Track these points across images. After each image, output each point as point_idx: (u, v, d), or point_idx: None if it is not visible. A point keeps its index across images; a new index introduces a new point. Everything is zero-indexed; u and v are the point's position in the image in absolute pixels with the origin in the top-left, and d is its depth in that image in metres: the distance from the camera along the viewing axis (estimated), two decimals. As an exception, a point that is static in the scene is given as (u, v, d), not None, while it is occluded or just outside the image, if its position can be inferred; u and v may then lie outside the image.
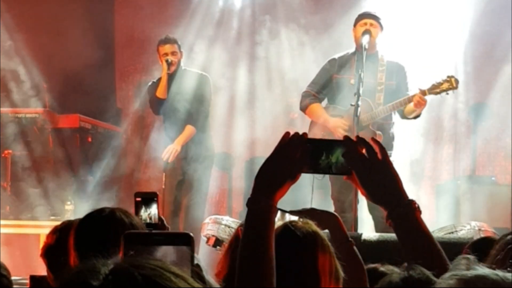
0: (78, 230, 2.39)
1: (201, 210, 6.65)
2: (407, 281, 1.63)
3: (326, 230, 2.57)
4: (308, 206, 2.74)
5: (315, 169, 1.85)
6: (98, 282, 0.94)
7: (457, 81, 5.52)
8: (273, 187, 1.79)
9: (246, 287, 1.73)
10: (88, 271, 0.95)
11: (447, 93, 5.57)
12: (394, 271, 1.76)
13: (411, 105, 5.64)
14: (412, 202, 1.82)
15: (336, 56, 6.09)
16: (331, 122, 5.87)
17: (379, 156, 1.83)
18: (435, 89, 5.55)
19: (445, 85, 5.51)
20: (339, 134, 5.73)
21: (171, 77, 6.61)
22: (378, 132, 5.75)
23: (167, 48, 6.60)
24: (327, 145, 1.86)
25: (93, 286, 0.93)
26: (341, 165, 1.83)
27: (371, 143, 1.84)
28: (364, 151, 1.83)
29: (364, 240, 4.69)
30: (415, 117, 5.85)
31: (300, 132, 1.85)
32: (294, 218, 2.39)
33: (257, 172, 1.81)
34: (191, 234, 1.27)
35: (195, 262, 1.36)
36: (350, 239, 2.55)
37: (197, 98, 6.61)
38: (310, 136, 1.87)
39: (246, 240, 1.78)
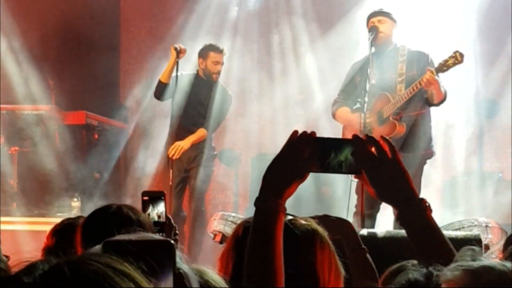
0: (85, 227, 2.38)
1: (203, 206, 6.73)
2: (427, 277, 1.62)
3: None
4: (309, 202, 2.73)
5: (324, 168, 1.84)
6: (31, 279, 0.92)
7: (461, 55, 5.48)
8: (281, 186, 1.78)
9: (254, 287, 1.72)
10: (26, 269, 0.94)
11: (455, 68, 5.55)
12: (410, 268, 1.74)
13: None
14: (423, 201, 1.81)
15: (358, 59, 6.15)
16: (353, 119, 5.91)
17: (389, 154, 1.82)
18: (442, 67, 5.52)
19: (451, 61, 5.50)
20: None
21: (207, 84, 6.72)
22: (401, 124, 5.76)
23: (219, 57, 6.76)
24: (336, 143, 1.84)
25: (23, 283, 0.92)
26: (350, 164, 1.82)
27: (381, 141, 1.83)
28: (373, 149, 1.82)
29: (371, 237, 4.68)
30: (440, 102, 5.78)
31: (306, 130, 1.84)
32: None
33: (265, 171, 1.80)
34: (172, 241, 1.25)
35: (181, 270, 1.34)
36: (363, 246, 2.53)
37: (219, 112, 6.75)
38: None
39: (254, 240, 1.77)
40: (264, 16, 8.46)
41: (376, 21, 5.89)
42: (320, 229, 2.17)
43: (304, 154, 1.80)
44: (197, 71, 6.84)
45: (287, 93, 8.33)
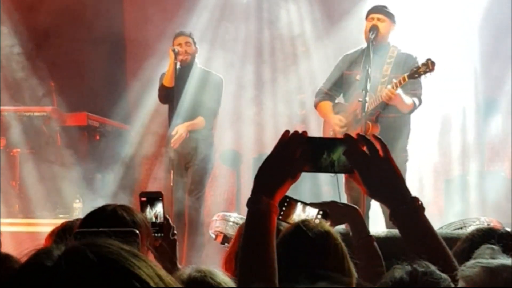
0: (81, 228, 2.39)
1: (200, 207, 6.71)
2: (412, 274, 1.62)
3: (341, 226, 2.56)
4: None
5: (316, 168, 1.84)
6: (51, 262, 0.94)
7: (433, 63, 5.48)
8: (273, 186, 1.78)
9: (248, 287, 1.71)
10: (43, 253, 0.96)
11: (425, 76, 5.53)
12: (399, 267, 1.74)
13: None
14: (415, 199, 1.80)
15: (349, 52, 6.09)
16: (331, 120, 5.90)
17: (381, 153, 1.81)
18: (414, 74, 5.52)
19: (422, 69, 5.49)
20: (336, 133, 5.76)
21: (184, 70, 6.65)
22: (374, 125, 5.71)
23: (180, 39, 6.66)
24: (328, 143, 1.84)
25: (46, 267, 0.94)
26: (342, 163, 1.82)
27: (373, 140, 1.82)
28: (365, 148, 1.81)
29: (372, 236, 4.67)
30: (410, 112, 5.78)
31: (307, 129, 1.84)
32: (313, 212, 2.36)
33: (257, 172, 1.80)
34: (136, 231, 1.28)
35: None
36: (370, 233, 2.53)
37: (209, 98, 6.63)
38: (322, 133, 1.86)
39: (247, 241, 1.77)
40: (266, 14, 8.45)
41: (376, 18, 5.83)
42: (333, 231, 2.18)
43: (296, 154, 1.79)
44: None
45: (288, 93, 8.32)
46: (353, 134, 1.85)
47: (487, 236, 2.26)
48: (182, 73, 6.65)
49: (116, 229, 1.41)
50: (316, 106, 6.12)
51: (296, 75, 8.30)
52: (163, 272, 0.99)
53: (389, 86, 5.56)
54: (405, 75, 5.52)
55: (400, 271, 1.62)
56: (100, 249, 0.96)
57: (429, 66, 5.47)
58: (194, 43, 6.76)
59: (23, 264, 0.97)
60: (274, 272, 1.72)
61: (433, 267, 1.61)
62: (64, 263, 0.94)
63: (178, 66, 6.63)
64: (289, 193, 1.86)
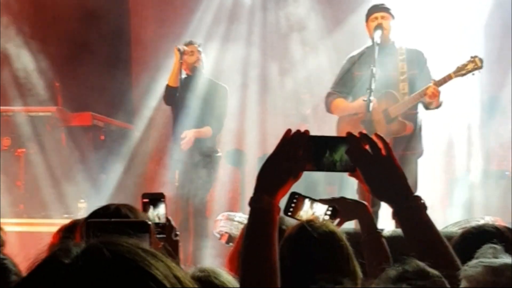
0: (84, 227, 2.39)
1: (206, 206, 6.70)
2: (402, 275, 1.61)
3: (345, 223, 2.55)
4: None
5: (318, 166, 1.83)
6: (69, 260, 0.95)
7: (481, 60, 5.45)
8: (276, 185, 1.78)
9: (249, 287, 1.71)
10: (61, 251, 0.97)
11: (473, 74, 5.50)
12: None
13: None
14: (417, 198, 1.80)
15: (355, 53, 6.04)
16: (357, 105, 5.72)
17: (383, 152, 1.81)
18: (461, 71, 5.48)
19: (470, 66, 5.46)
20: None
21: (191, 78, 6.64)
22: (409, 123, 5.70)
23: (192, 47, 6.67)
24: (330, 142, 1.84)
25: (64, 264, 0.94)
26: (345, 162, 1.81)
27: (375, 138, 1.82)
28: (367, 147, 1.81)
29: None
30: (437, 107, 5.77)
31: (312, 129, 1.83)
32: (322, 208, 2.35)
33: (259, 171, 1.80)
34: (149, 222, 1.28)
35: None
36: (378, 229, 2.53)
37: (216, 108, 6.65)
38: (339, 132, 1.87)
39: (248, 240, 1.76)
40: (272, 14, 8.44)
41: (380, 17, 5.82)
42: (338, 231, 2.17)
43: (298, 153, 1.79)
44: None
45: (292, 92, 8.32)
46: (387, 133, 1.84)
47: (479, 236, 2.24)
48: (189, 82, 6.63)
49: (129, 219, 1.40)
50: (329, 106, 6.00)
51: (300, 74, 8.29)
52: (181, 273, 0.99)
53: (431, 83, 5.53)
54: (451, 73, 5.49)
55: (392, 272, 1.61)
56: (117, 247, 0.96)
57: (477, 63, 5.44)
58: (200, 53, 6.78)
59: (41, 262, 0.98)
60: (275, 271, 1.71)
61: (422, 265, 1.60)
62: (81, 261, 0.95)
63: (184, 75, 6.63)
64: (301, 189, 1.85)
